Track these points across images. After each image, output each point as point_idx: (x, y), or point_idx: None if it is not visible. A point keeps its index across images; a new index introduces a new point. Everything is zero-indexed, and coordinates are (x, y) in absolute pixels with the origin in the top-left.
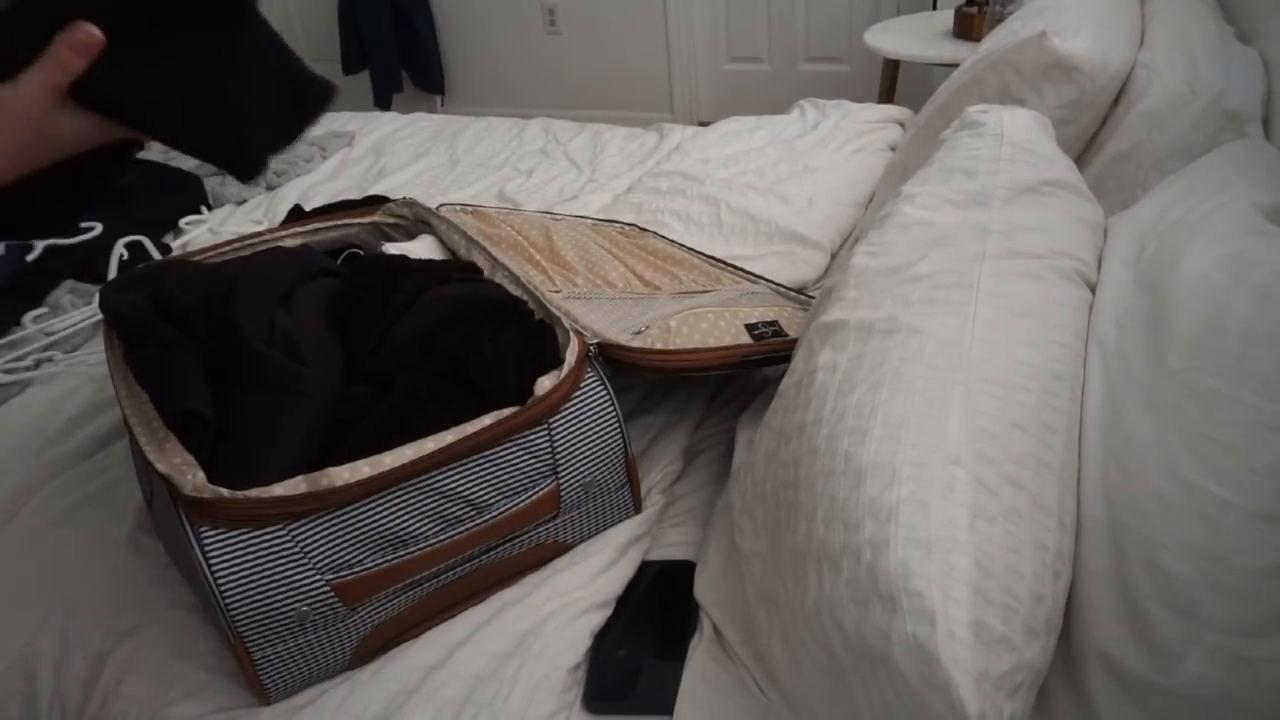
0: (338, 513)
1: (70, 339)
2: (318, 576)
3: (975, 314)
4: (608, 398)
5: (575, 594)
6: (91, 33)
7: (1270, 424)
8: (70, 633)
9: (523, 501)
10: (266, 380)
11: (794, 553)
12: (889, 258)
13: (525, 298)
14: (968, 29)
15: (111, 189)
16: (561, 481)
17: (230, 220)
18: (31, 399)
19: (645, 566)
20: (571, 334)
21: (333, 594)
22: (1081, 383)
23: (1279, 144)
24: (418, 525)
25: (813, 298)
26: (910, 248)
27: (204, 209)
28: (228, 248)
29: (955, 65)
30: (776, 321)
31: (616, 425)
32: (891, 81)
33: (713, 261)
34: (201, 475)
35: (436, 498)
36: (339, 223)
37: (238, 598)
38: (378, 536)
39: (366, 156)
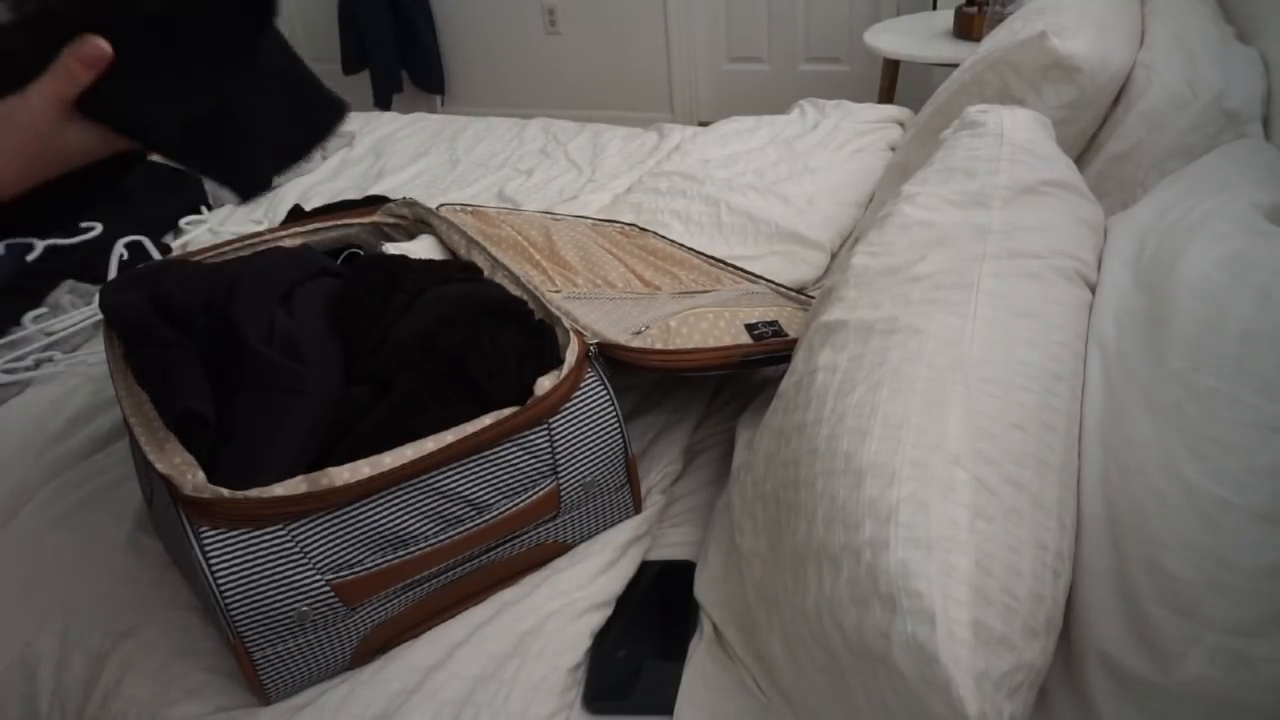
0: (338, 513)
1: (70, 339)
2: (318, 576)
3: (975, 314)
4: (608, 398)
5: (575, 594)
6: (99, 46)
7: (1270, 424)
8: (70, 633)
9: (523, 501)
10: (267, 380)
11: (794, 553)
12: (889, 258)
13: (525, 298)
14: (968, 29)
15: (113, 190)
16: (561, 481)
17: (230, 220)
18: (31, 399)
19: (645, 566)
20: (571, 334)
21: (333, 594)
22: (1081, 383)
23: (1279, 144)
24: (418, 525)
25: (813, 298)
26: (910, 248)
27: (204, 209)
28: (228, 248)
29: (955, 65)
30: (776, 321)
31: (616, 425)
32: (891, 81)
33: (713, 261)
34: (201, 475)
35: (436, 498)
36: (339, 223)
37: (238, 598)
38: (378, 536)
39: (366, 156)
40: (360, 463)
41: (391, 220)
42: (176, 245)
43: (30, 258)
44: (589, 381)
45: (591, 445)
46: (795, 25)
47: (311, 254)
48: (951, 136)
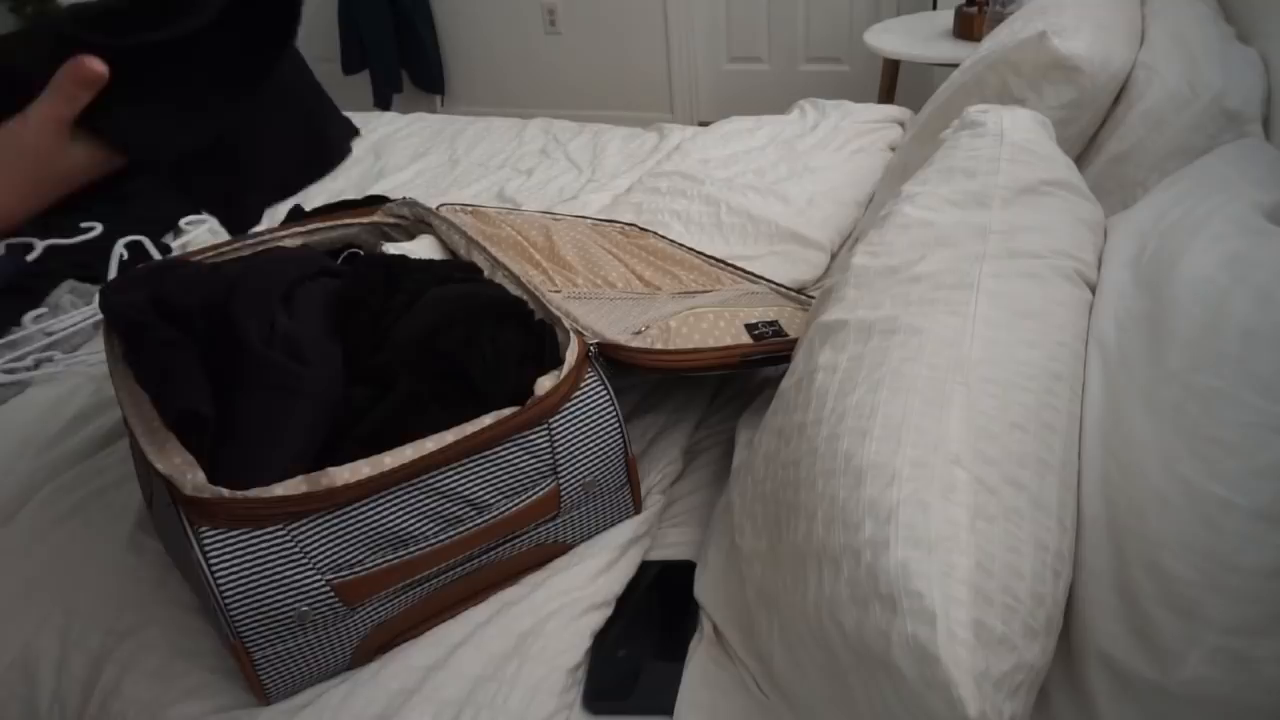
0: (338, 513)
1: (70, 339)
2: (318, 576)
3: (975, 314)
4: (608, 398)
5: (575, 594)
6: (94, 67)
7: (1270, 424)
8: (70, 633)
9: (523, 501)
10: (267, 380)
11: (794, 553)
12: (889, 258)
13: (525, 298)
14: (968, 29)
15: (113, 191)
16: (561, 481)
17: None
18: (31, 399)
19: (645, 566)
20: (571, 334)
21: (333, 594)
22: (1081, 383)
23: (1279, 144)
24: (418, 525)
25: (813, 298)
26: (910, 248)
27: (204, 209)
28: (227, 248)
29: (955, 65)
30: (776, 321)
31: (616, 425)
32: (891, 81)
33: (713, 261)
34: (201, 475)
35: (437, 498)
36: (339, 223)
37: (238, 598)
38: (378, 536)
39: (366, 156)
40: (360, 463)
41: (391, 220)
42: (176, 245)
43: (30, 258)
44: (589, 381)
45: (591, 445)
46: (795, 25)
47: (311, 254)
48: (951, 136)
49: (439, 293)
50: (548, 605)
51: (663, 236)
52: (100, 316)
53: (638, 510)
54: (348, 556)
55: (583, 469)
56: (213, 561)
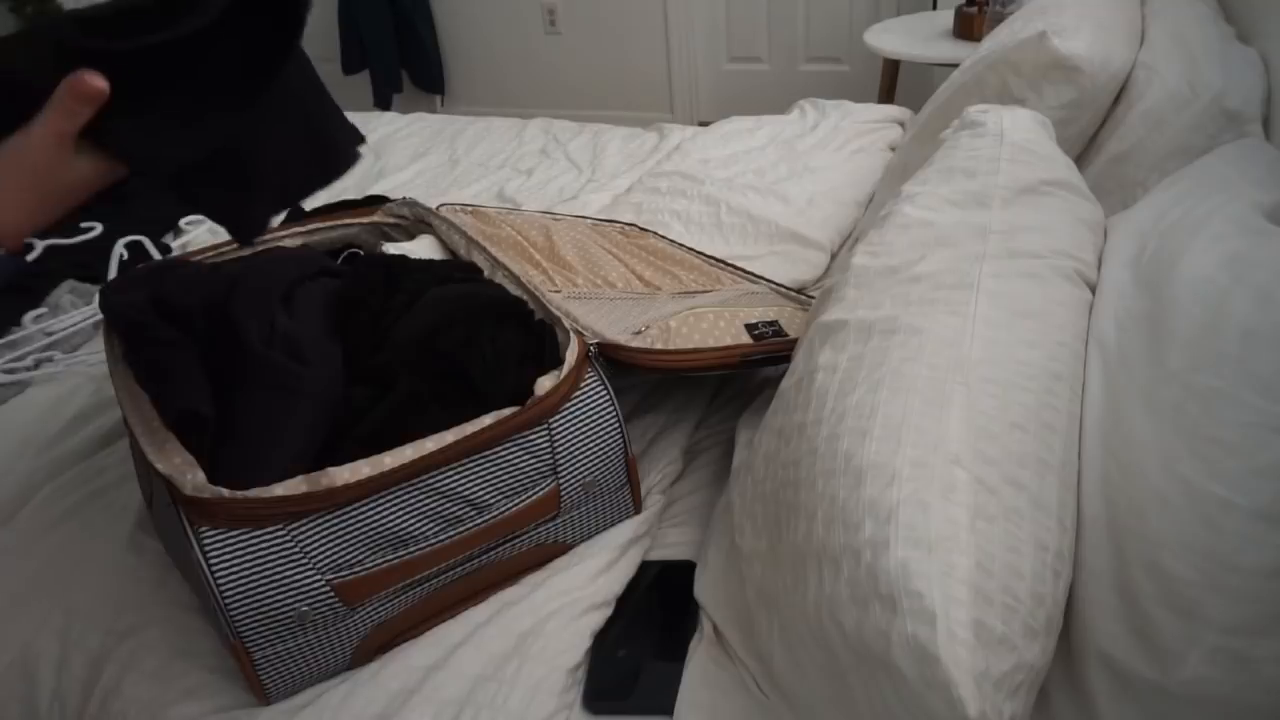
0: (338, 513)
1: (70, 339)
2: (318, 576)
3: (975, 314)
4: (608, 398)
5: (575, 594)
6: (94, 84)
7: (1270, 424)
8: (70, 633)
9: (523, 501)
10: (267, 380)
11: (794, 553)
12: (889, 258)
13: (525, 298)
14: (968, 29)
15: (113, 191)
16: (561, 481)
17: None
18: (31, 399)
19: (645, 566)
20: (571, 334)
21: (333, 594)
22: (1081, 383)
23: (1279, 144)
24: (418, 525)
25: (813, 298)
26: (910, 248)
27: (210, 219)
28: (228, 248)
29: (955, 65)
30: (776, 321)
31: (616, 425)
32: (891, 81)
33: (713, 261)
34: (201, 475)
35: (437, 498)
36: (339, 223)
37: (238, 598)
38: (378, 536)
39: (366, 156)
40: (360, 463)
41: (391, 220)
42: (176, 245)
43: (30, 258)
44: (589, 381)
45: (591, 445)
46: (795, 25)
47: (311, 254)
48: (951, 136)
49: (439, 293)
50: (548, 605)
51: (663, 236)
52: (100, 316)
53: (638, 510)
54: (348, 556)
55: (583, 469)
56: (213, 561)
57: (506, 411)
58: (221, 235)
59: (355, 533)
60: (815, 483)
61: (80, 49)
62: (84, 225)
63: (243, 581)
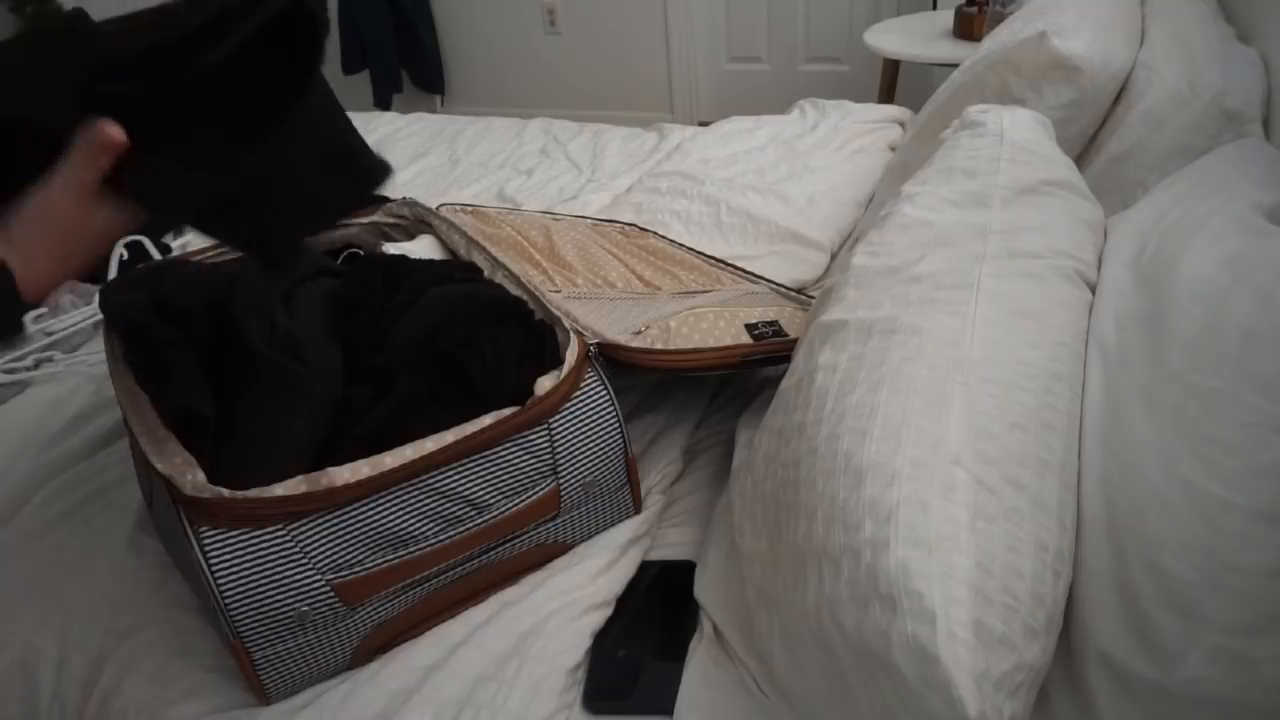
0: (338, 513)
1: (70, 339)
2: (318, 576)
3: (975, 314)
4: (608, 398)
5: (575, 594)
6: (112, 134)
7: (1270, 424)
8: (70, 633)
9: (523, 501)
10: (267, 380)
11: (794, 553)
12: (889, 258)
13: (525, 298)
14: (968, 29)
15: None
16: (561, 481)
17: None
18: (31, 399)
19: (645, 566)
20: (571, 334)
21: (333, 594)
22: (1081, 383)
23: (1279, 144)
24: (418, 525)
25: (813, 298)
26: (910, 248)
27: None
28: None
29: (955, 65)
30: (776, 321)
31: (616, 425)
32: (891, 81)
33: (713, 261)
34: (201, 475)
35: (437, 498)
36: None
37: (237, 598)
38: (378, 536)
39: None
40: (360, 463)
41: (391, 220)
42: (176, 245)
43: None
44: (589, 381)
45: (591, 445)
46: (795, 25)
47: (311, 254)
48: (951, 136)
49: (439, 293)
50: (548, 605)
51: (663, 236)
52: (100, 316)
53: (638, 510)
54: (348, 556)
55: (583, 469)
56: (213, 561)
57: (506, 411)
58: None
59: (355, 533)
60: (815, 483)
61: (98, 95)
62: None
63: (243, 581)
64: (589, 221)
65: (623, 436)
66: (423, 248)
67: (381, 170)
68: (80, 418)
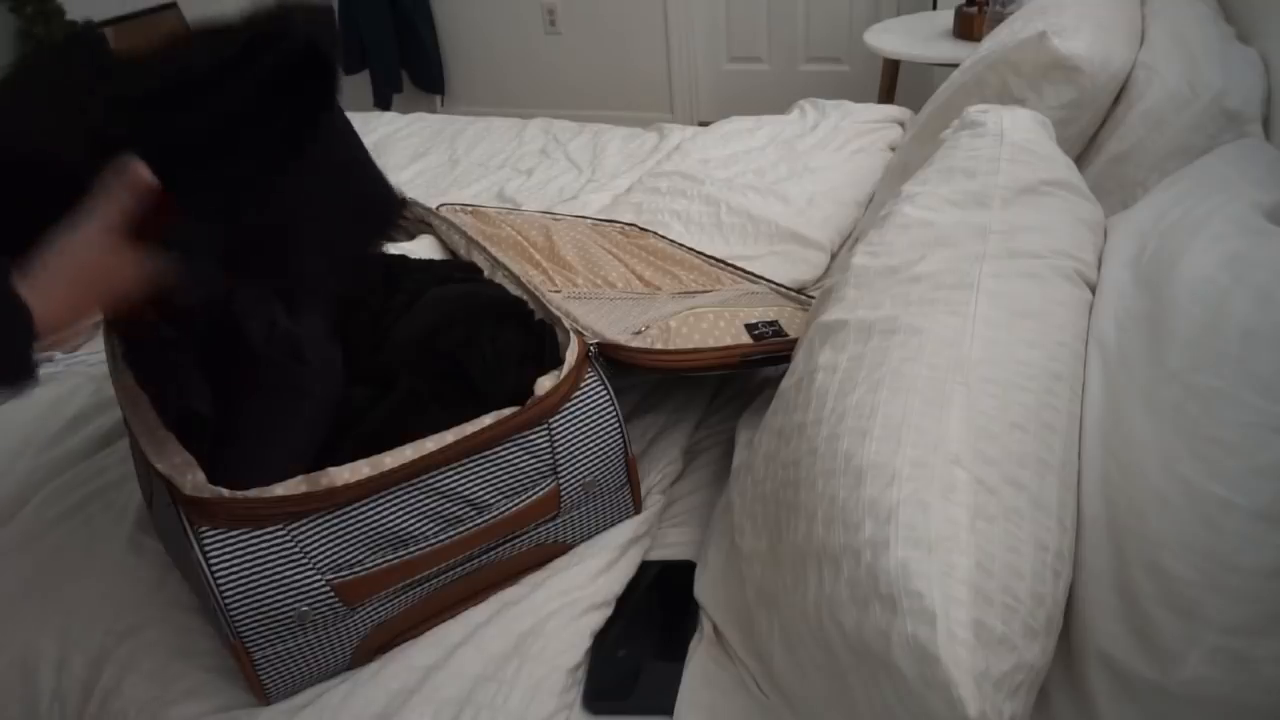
0: (338, 513)
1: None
2: (318, 576)
3: (975, 314)
4: (608, 398)
5: (575, 594)
6: (142, 175)
7: (1270, 424)
8: (70, 633)
9: (523, 501)
10: (267, 380)
11: (794, 553)
12: (889, 258)
13: (525, 298)
14: (968, 29)
15: None
16: (561, 481)
17: None
18: (31, 399)
19: (645, 566)
20: (571, 334)
21: (333, 594)
22: (1081, 383)
23: (1279, 144)
24: (418, 525)
25: (813, 298)
26: (910, 248)
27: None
28: None
29: (955, 65)
30: (776, 321)
31: (616, 425)
32: (891, 81)
33: (713, 261)
34: (201, 475)
35: (437, 498)
36: None
37: (237, 598)
38: (378, 536)
39: None
40: (360, 463)
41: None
42: None
43: None
44: (589, 381)
45: (591, 445)
46: (795, 25)
47: None
48: (951, 136)
49: (439, 293)
50: (548, 605)
51: (663, 236)
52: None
53: (638, 510)
54: (348, 556)
55: (583, 469)
56: (213, 561)
57: (506, 411)
58: None
59: (355, 533)
60: (815, 483)
61: (123, 138)
62: None
63: (243, 581)
64: (589, 221)
65: (623, 436)
66: (423, 248)
67: (396, 204)
68: (80, 418)
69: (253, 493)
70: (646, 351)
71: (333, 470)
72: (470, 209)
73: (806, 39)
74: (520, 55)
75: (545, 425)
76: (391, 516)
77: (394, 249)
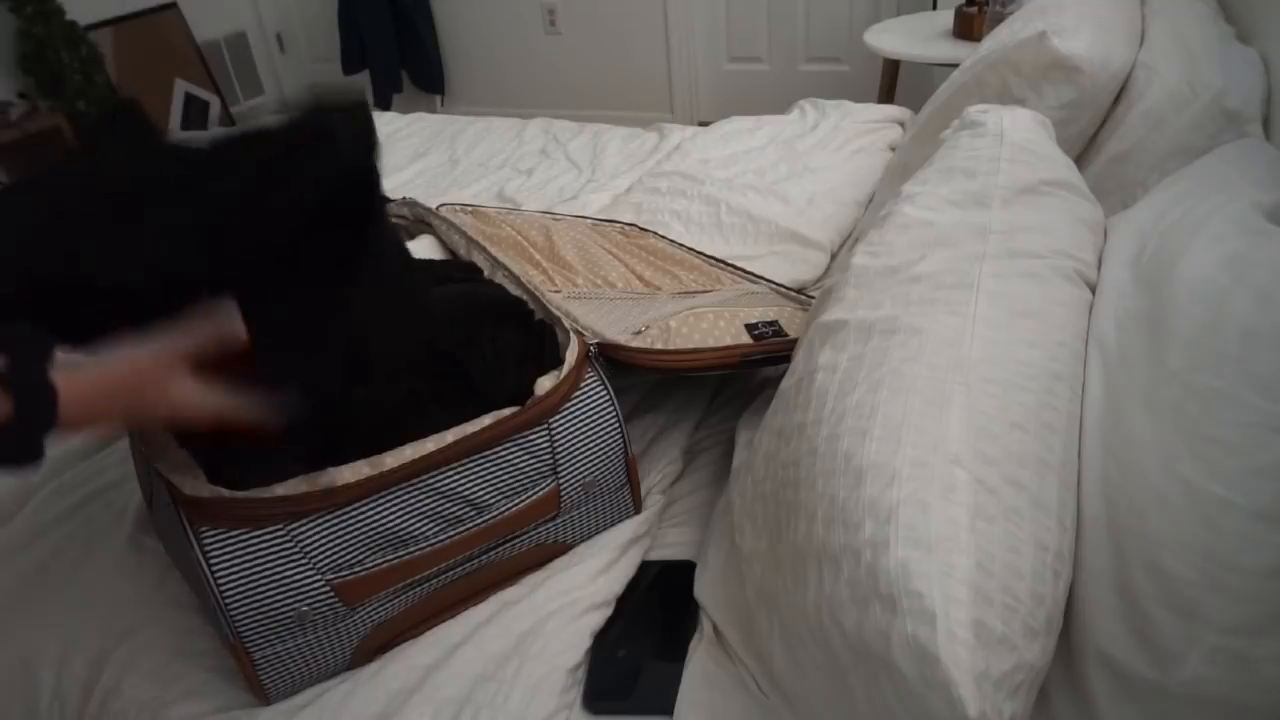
0: (338, 513)
1: None
2: (317, 576)
3: (975, 314)
4: (608, 398)
5: (575, 594)
6: (238, 334)
7: (1270, 424)
8: (70, 632)
9: (523, 501)
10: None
11: (794, 553)
12: (889, 258)
13: (525, 298)
14: (968, 29)
15: None
16: (561, 481)
17: None
18: None
19: (645, 566)
20: (571, 334)
21: (333, 594)
22: (1081, 383)
23: (1279, 144)
24: (418, 525)
25: (813, 298)
26: (910, 248)
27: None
28: None
29: (955, 65)
30: (776, 321)
31: (616, 425)
32: (891, 81)
33: (713, 261)
34: (201, 475)
35: (437, 498)
36: None
37: (238, 598)
38: (378, 536)
39: None
40: (360, 463)
41: (391, 220)
42: None
43: None
44: (589, 381)
45: (591, 445)
46: (795, 25)
47: None
48: (951, 136)
49: (439, 293)
50: (548, 605)
51: (663, 236)
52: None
53: (638, 510)
54: (348, 556)
55: (583, 469)
56: (213, 561)
57: (506, 411)
58: None
59: (355, 533)
60: (815, 483)
61: (200, 280)
62: None
63: (243, 581)
64: (589, 221)
65: (623, 436)
66: (423, 248)
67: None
68: None
69: (253, 493)
70: (646, 351)
71: (333, 470)
72: (470, 209)
73: (806, 39)
74: (520, 55)
75: (545, 425)
76: (391, 516)
77: None
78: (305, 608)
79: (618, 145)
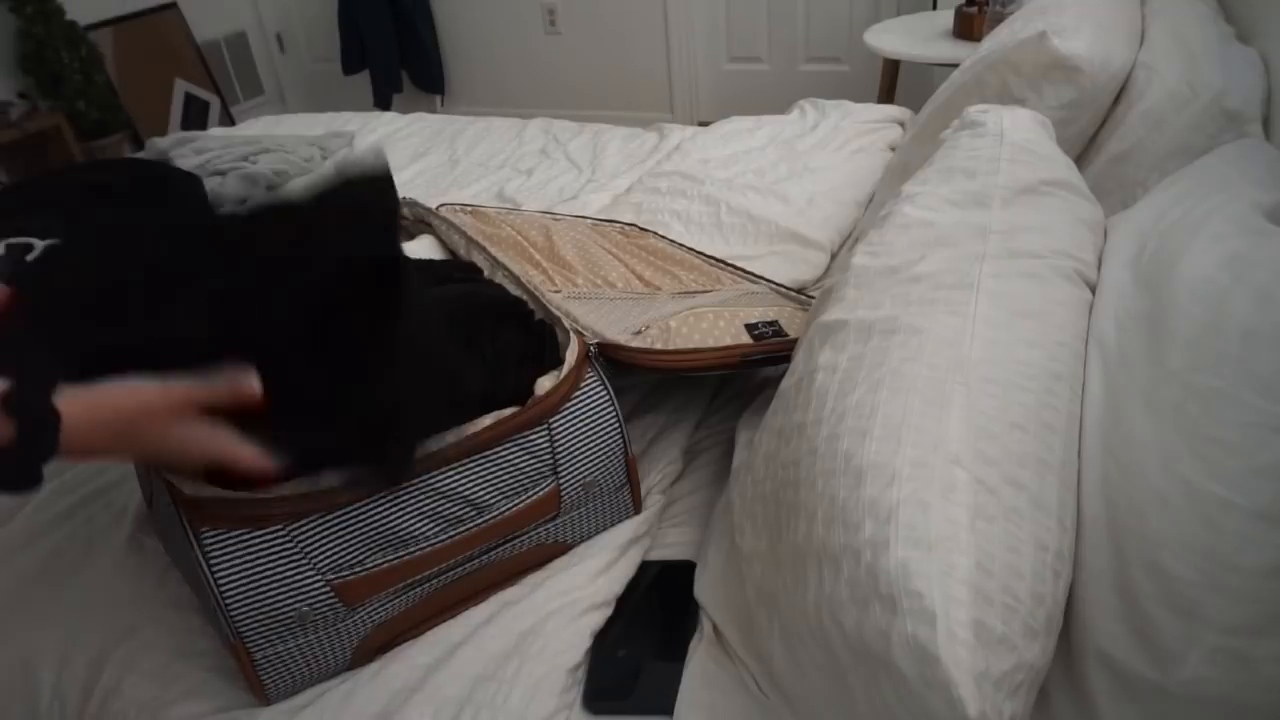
0: (338, 513)
1: None
2: (318, 577)
3: (975, 314)
4: (608, 398)
5: (575, 594)
6: (256, 393)
7: (1270, 424)
8: (70, 632)
9: (523, 501)
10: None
11: (794, 553)
12: (889, 258)
13: (525, 298)
14: (968, 29)
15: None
16: (562, 481)
17: None
18: None
19: (645, 566)
20: (571, 334)
21: (333, 594)
22: (1081, 383)
23: (1279, 144)
24: (418, 525)
25: (813, 298)
26: (910, 248)
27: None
28: None
29: (955, 65)
30: (776, 321)
31: (616, 425)
32: (891, 81)
33: (713, 261)
34: (201, 476)
35: (437, 498)
36: None
37: (238, 598)
38: (378, 537)
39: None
40: None
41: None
42: None
43: (30, 258)
44: (589, 381)
45: (591, 445)
46: (795, 25)
47: None
48: (951, 136)
49: (439, 293)
50: (548, 605)
51: (663, 236)
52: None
53: (638, 510)
54: (348, 556)
55: (583, 469)
56: (213, 562)
57: (506, 412)
58: None
59: (355, 533)
60: (815, 483)
61: (218, 339)
62: None
63: (243, 581)
64: (589, 221)
65: (623, 436)
66: (423, 248)
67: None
68: None
69: (253, 493)
70: (646, 351)
71: None
72: (470, 209)
73: (806, 39)
74: (520, 55)
75: (545, 425)
76: (391, 516)
77: None
78: (305, 608)
79: (618, 145)
